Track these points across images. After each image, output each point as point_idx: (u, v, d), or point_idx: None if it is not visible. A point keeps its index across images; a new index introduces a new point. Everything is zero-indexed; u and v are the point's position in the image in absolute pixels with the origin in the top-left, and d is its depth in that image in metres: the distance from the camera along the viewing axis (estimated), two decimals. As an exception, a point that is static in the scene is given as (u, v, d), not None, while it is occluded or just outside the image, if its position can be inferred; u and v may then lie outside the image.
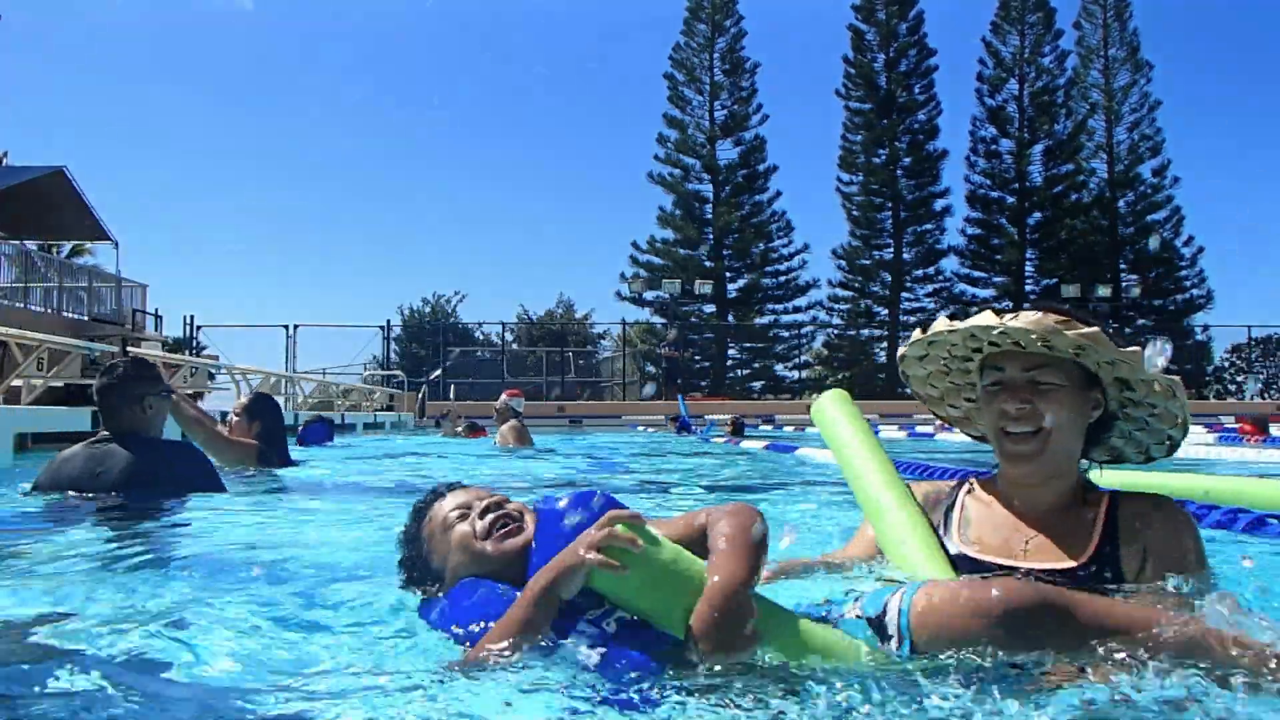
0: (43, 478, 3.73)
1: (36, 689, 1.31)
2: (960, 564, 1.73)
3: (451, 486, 1.82)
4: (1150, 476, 3.50)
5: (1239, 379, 37.97)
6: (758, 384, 38.25)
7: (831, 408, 2.27)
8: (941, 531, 1.83)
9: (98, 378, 3.89)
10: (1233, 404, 29.07)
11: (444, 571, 1.71)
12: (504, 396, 10.08)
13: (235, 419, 5.41)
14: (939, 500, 1.92)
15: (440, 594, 1.70)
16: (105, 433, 3.79)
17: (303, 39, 76.60)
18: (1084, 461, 1.86)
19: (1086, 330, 1.67)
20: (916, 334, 1.90)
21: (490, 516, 1.70)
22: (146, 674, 1.42)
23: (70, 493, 3.61)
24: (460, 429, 12.98)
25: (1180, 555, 1.67)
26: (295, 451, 6.10)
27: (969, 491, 1.90)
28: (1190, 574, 1.63)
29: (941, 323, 1.82)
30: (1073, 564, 1.68)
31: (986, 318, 1.71)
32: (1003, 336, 1.72)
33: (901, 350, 1.97)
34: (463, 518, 1.71)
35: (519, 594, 1.48)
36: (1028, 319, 1.68)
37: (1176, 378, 1.74)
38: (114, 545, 2.82)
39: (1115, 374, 1.76)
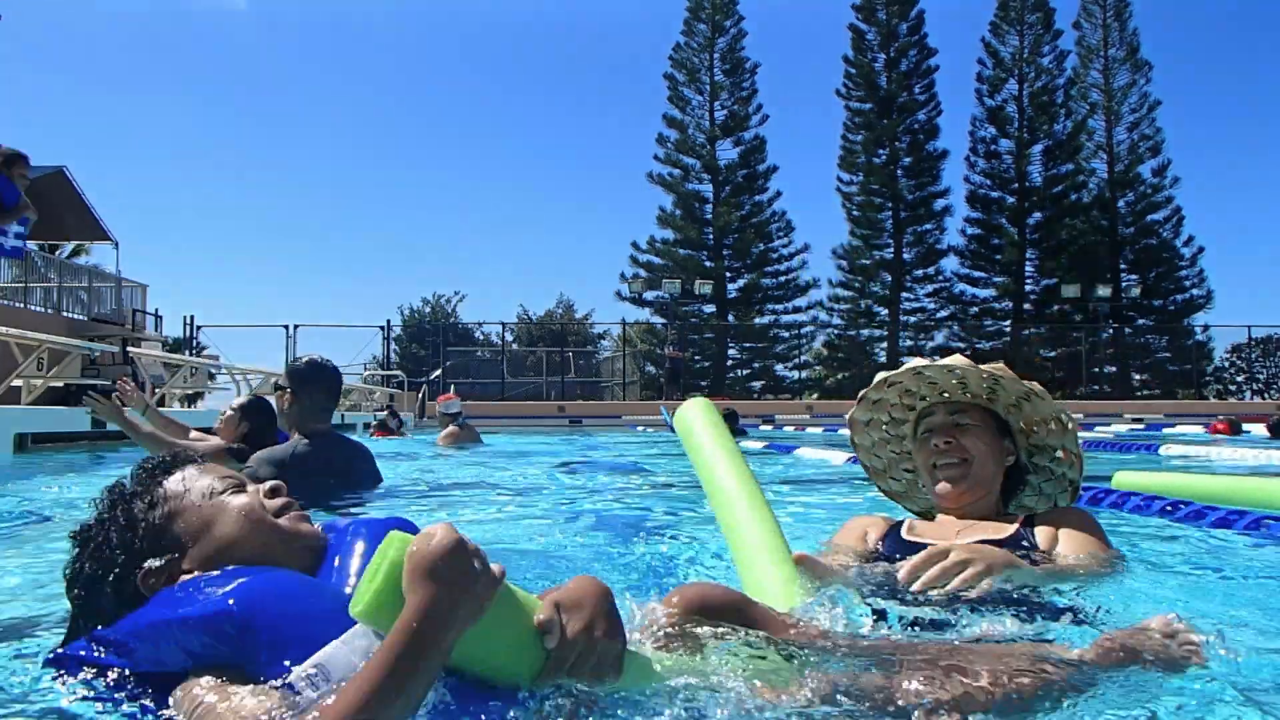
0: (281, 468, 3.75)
1: None
2: (905, 548, 2.01)
3: (183, 461, 1.46)
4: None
5: (1239, 379, 37.96)
6: (758, 384, 38.24)
7: (692, 415, 2.30)
8: (889, 540, 2.13)
9: (319, 373, 3.91)
10: (1233, 404, 29.07)
11: (188, 546, 1.33)
12: (437, 403, 10.22)
13: (227, 414, 5.37)
14: (888, 524, 2.23)
15: (160, 585, 1.29)
16: (302, 437, 3.83)
17: (298, 39, 76.67)
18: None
19: (993, 364, 2.10)
20: (864, 392, 2.28)
21: (281, 500, 1.41)
22: None
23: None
24: (373, 426, 12.78)
25: (1088, 534, 1.99)
26: None
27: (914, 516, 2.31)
28: (1099, 547, 1.97)
29: (880, 375, 2.22)
30: (998, 537, 1.99)
31: (918, 361, 2.15)
32: (931, 387, 2.17)
33: (849, 414, 2.33)
34: (239, 490, 1.41)
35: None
36: (947, 360, 2.10)
37: (1065, 406, 2.15)
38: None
39: (1021, 419, 2.17)
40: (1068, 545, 1.95)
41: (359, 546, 1.37)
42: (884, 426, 2.33)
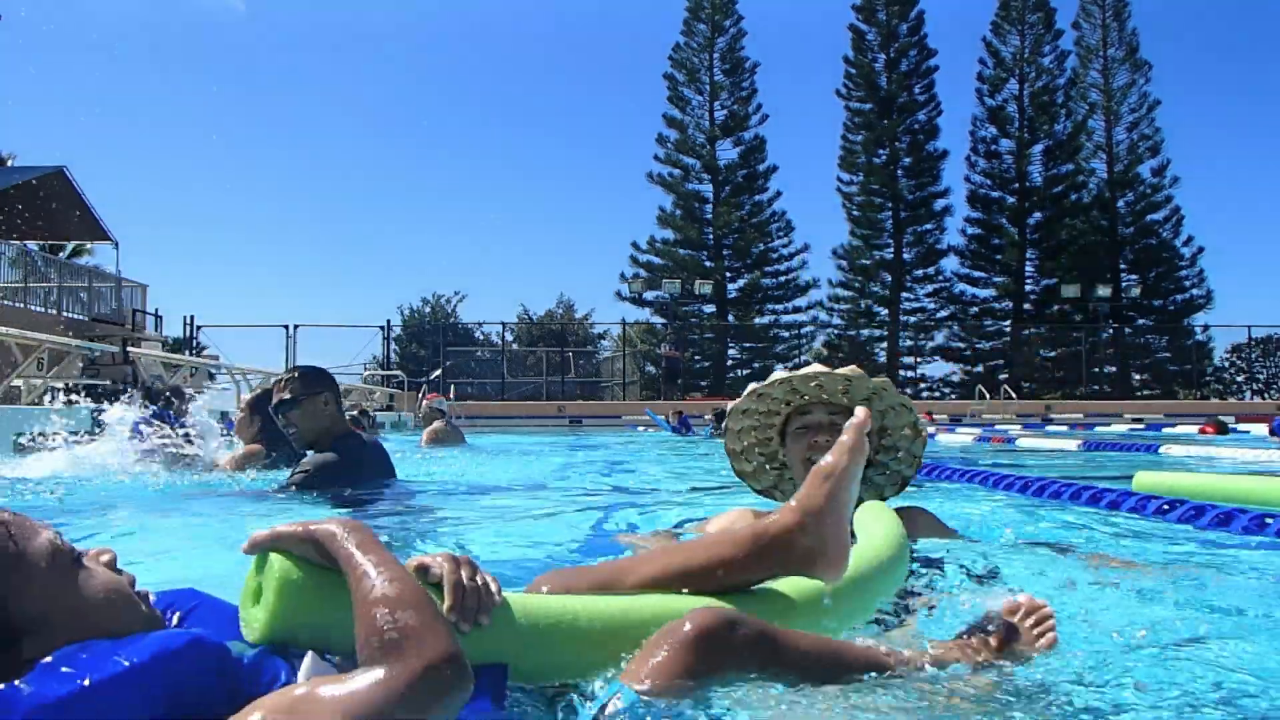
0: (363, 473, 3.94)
1: None
2: None
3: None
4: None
5: (1239, 379, 37.95)
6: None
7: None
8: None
9: (328, 375, 4.11)
10: (1233, 404, 29.07)
11: (38, 623, 1.03)
12: (425, 401, 10.31)
13: (240, 415, 5.40)
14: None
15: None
16: (339, 438, 3.99)
17: (297, 40, 76.61)
18: None
19: (881, 378, 2.41)
20: (752, 385, 2.50)
21: (129, 574, 1.17)
22: None
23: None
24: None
25: (940, 526, 2.53)
26: None
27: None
28: (947, 533, 2.52)
29: (776, 374, 2.45)
30: None
31: (815, 367, 2.42)
32: (816, 390, 2.39)
33: (733, 404, 2.56)
34: (79, 558, 1.12)
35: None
36: (841, 370, 2.38)
37: (923, 425, 2.49)
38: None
39: (882, 422, 2.44)
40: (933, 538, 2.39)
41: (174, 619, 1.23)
42: (754, 432, 2.57)
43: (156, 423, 5.13)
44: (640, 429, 18.62)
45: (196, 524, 3.45)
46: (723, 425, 2.66)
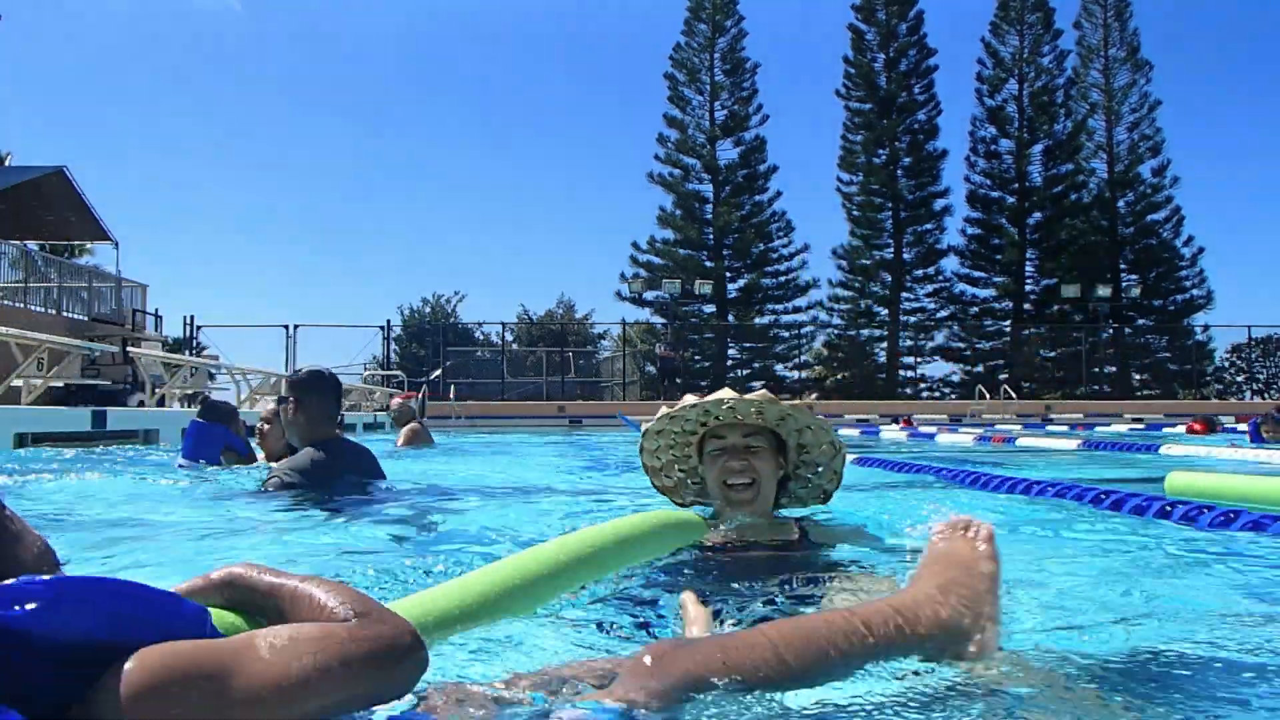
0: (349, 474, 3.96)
1: None
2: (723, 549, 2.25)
3: None
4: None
5: (1239, 379, 37.95)
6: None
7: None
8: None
9: (320, 380, 4.05)
10: (1233, 404, 29.07)
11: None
12: (397, 400, 10.41)
13: (267, 427, 5.32)
14: None
15: None
16: (316, 445, 3.97)
17: (295, 39, 76.66)
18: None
19: (795, 402, 2.37)
20: (663, 409, 2.48)
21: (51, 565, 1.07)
22: None
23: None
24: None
25: (831, 532, 2.48)
26: None
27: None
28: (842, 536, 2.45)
29: (687, 398, 2.42)
30: (790, 537, 2.33)
31: (725, 392, 2.37)
32: (730, 412, 2.35)
33: (646, 426, 2.55)
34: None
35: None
36: (751, 395, 2.32)
37: (841, 442, 2.47)
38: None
39: (800, 440, 2.43)
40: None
41: None
42: (673, 435, 2.54)
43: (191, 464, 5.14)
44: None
45: (173, 520, 3.44)
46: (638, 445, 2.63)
